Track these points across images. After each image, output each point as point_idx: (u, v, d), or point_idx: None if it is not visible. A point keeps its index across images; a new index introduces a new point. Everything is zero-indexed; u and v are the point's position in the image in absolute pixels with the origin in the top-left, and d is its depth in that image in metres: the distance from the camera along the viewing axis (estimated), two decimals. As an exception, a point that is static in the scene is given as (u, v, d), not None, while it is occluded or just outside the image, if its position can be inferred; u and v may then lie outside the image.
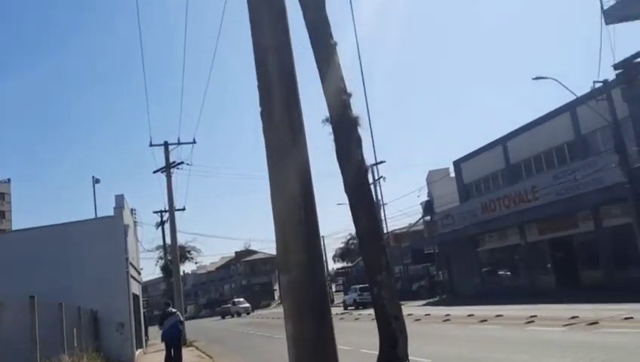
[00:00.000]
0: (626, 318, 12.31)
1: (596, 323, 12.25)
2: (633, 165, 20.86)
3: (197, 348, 23.49)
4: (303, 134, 4.60)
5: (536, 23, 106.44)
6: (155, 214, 41.76)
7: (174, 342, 14.78)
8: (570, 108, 26.54)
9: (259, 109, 4.70)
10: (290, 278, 4.39)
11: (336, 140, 5.02)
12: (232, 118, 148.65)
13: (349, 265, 64.37)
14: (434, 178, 45.28)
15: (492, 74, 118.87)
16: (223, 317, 61.93)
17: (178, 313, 15.83)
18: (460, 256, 35.86)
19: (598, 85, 21.26)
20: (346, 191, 5.10)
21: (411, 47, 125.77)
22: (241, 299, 66.11)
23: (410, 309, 30.13)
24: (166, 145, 30.21)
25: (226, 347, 23.61)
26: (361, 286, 38.34)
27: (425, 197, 46.27)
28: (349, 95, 5.05)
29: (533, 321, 14.62)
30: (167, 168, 30.08)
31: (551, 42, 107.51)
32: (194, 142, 30.03)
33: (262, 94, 4.62)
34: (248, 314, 60.54)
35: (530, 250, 30.11)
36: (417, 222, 48.18)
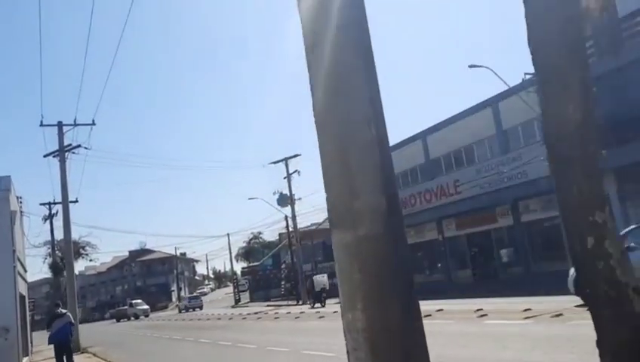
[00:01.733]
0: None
1: (560, 314, 11.47)
2: (560, 158, 20.90)
3: (95, 355, 20.62)
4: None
5: (470, 13, 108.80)
6: (42, 206, 37.94)
7: (65, 345, 14.16)
8: (492, 103, 26.57)
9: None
10: (358, 236, 2.58)
11: None
12: (138, 103, 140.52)
13: (256, 264, 62.30)
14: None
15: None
16: (118, 321, 57.99)
17: (69, 314, 15.09)
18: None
19: (528, 77, 21.14)
20: (536, 60, 2.72)
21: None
22: (139, 301, 62.20)
23: (328, 307, 28.90)
24: (60, 125, 26.92)
25: (130, 352, 21.02)
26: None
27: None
28: None
29: (486, 315, 13.70)
30: (61, 152, 26.82)
31: (485, 33, 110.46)
32: (93, 123, 26.91)
33: None
34: (147, 316, 57.61)
35: (448, 245, 30.03)
36: (325, 220, 47.18)
